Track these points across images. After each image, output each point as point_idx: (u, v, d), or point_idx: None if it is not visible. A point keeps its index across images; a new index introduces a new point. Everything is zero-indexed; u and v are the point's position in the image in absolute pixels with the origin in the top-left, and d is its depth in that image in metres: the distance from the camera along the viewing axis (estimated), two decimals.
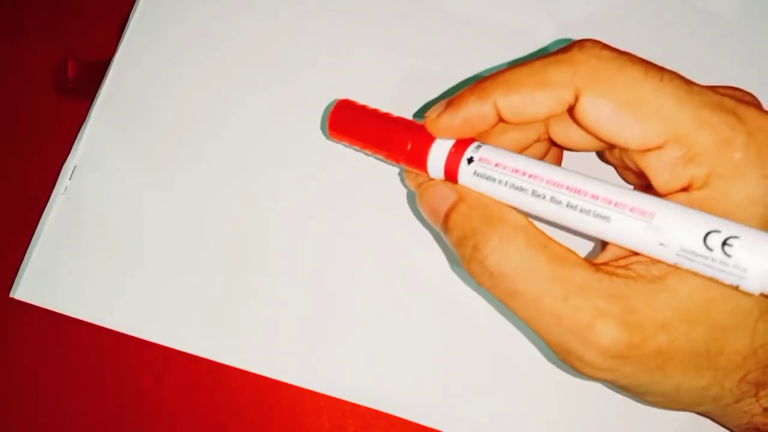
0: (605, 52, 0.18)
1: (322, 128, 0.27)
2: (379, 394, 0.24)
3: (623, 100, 0.18)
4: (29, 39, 0.30)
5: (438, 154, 0.20)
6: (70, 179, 0.27)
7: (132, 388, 0.25)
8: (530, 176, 0.19)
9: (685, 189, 0.18)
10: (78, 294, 0.26)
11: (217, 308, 0.25)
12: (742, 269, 0.16)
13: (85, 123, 0.28)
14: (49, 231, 0.26)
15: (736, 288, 0.16)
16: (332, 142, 0.27)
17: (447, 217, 0.20)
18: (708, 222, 0.16)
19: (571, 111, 0.19)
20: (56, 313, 0.25)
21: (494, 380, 0.24)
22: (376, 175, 0.26)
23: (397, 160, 0.22)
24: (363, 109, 0.23)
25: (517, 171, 0.19)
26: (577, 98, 0.18)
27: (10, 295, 0.26)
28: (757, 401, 0.18)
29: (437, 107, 0.21)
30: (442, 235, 0.20)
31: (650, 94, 0.17)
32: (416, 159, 0.21)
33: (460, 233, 0.19)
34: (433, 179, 0.21)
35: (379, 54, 0.28)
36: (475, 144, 0.20)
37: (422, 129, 0.21)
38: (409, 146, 0.21)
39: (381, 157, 0.23)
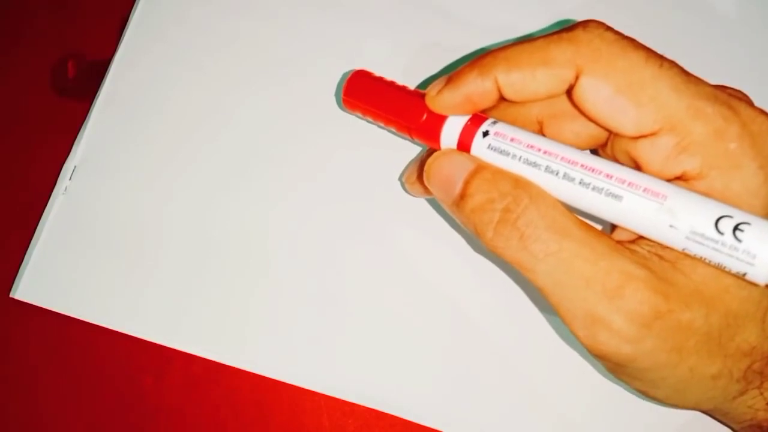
0: (609, 34, 0.18)
1: (337, 98, 0.27)
2: (379, 394, 0.24)
3: (622, 83, 0.18)
4: (29, 39, 0.30)
5: (453, 126, 0.20)
6: (70, 179, 0.27)
7: (132, 388, 0.25)
8: (545, 152, 0.19)
9: (678, 179, 0.18)
10: (78, 294, 0.26)
11: (217, 308, 0.25)
12: (752, 255, 0.16)
13: (85, 123, 0.28)
14: (49, 231, 0.26)
15: (743, 277, 0.16)
16: (332, 143, 0.27)
17: (468, 183, 0.19)
18: (720, 207, 0.16)
19: (569, 93, 0.19)
20: (56, 313, 0.25)
21: (495, 380, 0.24)
22: (377, 176, 0.26)
23: (409, 131, 0.22)
24: (379, 80, 0.23)
25: (531, 147, 0.19)
26: (577, 78, 0.18)
27: (10, 295, 0.26)
28: (761, 393, 0.18)
29: (437, 83, 0.21)
30: (454, 209, 0.20)
31: (648, 80, 0.17)
32: (430, 130, 0.21)
33: (485, 197, 0.19)
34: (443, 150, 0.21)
35: (380, 54, 0.28)
36: (491, 119, 0.20)
37: None
38: (424, 117, 0.21)
39: (392, 129, 0.23)
